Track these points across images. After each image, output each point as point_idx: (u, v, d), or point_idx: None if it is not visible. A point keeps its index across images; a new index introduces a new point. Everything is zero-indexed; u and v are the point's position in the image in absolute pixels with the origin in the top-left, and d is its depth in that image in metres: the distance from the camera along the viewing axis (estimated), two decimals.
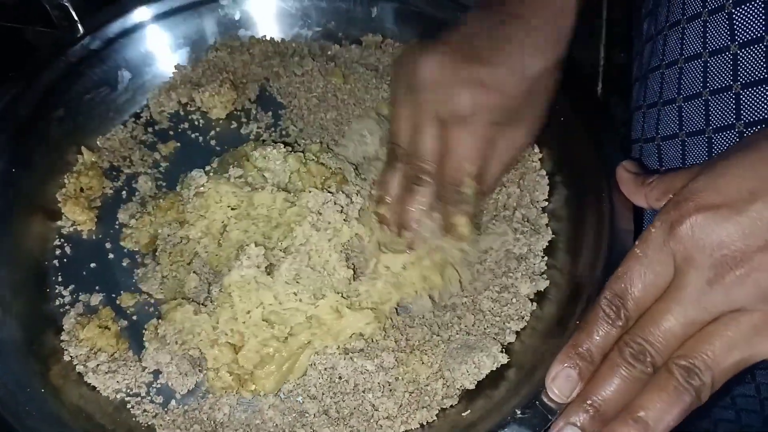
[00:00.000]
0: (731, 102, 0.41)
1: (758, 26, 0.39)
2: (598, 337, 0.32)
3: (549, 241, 0.44)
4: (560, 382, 0.32)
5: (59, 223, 0.47)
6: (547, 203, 0.46)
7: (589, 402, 0.31)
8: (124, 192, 0.49)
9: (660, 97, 0.48)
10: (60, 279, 0.45)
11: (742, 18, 0.40)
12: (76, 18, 0.53)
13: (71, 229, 0.47)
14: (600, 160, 0.43)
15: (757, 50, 0.39)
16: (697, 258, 0.29)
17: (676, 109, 0.45)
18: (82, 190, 0.49)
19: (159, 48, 0.55)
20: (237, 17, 0.56)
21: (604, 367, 0.31)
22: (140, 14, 0.54)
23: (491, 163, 0.42)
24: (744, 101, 0.41)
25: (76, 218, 0.47)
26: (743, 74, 0.40)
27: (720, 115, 0.42)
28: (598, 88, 0.57)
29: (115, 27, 0.53)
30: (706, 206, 0.30)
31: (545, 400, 0.33)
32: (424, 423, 0.38)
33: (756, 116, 0.40)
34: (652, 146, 0.49)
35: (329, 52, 0.56)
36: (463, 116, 0.40)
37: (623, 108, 0.57)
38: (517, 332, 0.41)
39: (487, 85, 0.39)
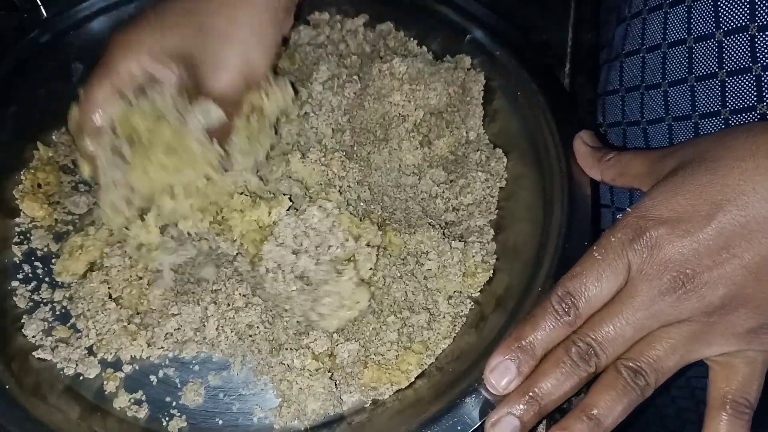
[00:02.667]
0: (717, 89, 0.42)
1: (743, 15, 0.40)
2: (543, 333, 0.33)
3: (502, 219, 0.46)
4: (498, 374, 0.33)
5: (17, 220, 0.47)
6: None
7: (531, 395, 0.32)
8: (81, 185, 0.49)
9: (642, 80, 0.48)
10: (20, 276, 0.45)
11: (727, 6, 0.41)
12: (39, 2, 0.52)
13: (29, 225, 0.47)
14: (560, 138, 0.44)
15: (743, 38, 0.40)
16: (652, 271, 0.32)
17: (662, 93, 0.46)
18: (39, 185, 0.49)
19: None
20: None
21: (548, 363, 0.33)
22: (92, 4, 0.53)
23: None
24: (729, 88, 0.42)
25: (35, 214, 0.47)
26: (728, 62, 0.41)
27: (706, 102, 0.43)
28: (565, 69, 0.56)
29: (65, 18, 0.52)
30: (664, 223, 0.32)
31: (483, 392, 0.34)
32: None
33: (740, 104, 0.41)
34: (637, 129, 0.50)
35: None
36: None
37: (590, 88, 0.57)
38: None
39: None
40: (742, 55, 0.40)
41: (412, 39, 0.54)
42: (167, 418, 0.40)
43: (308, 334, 0.40)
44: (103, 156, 0.41)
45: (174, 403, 0.41)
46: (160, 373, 0.42)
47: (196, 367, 0.42)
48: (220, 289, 0.42)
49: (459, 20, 0.52)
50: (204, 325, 0.41)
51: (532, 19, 0.57)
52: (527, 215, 0.45)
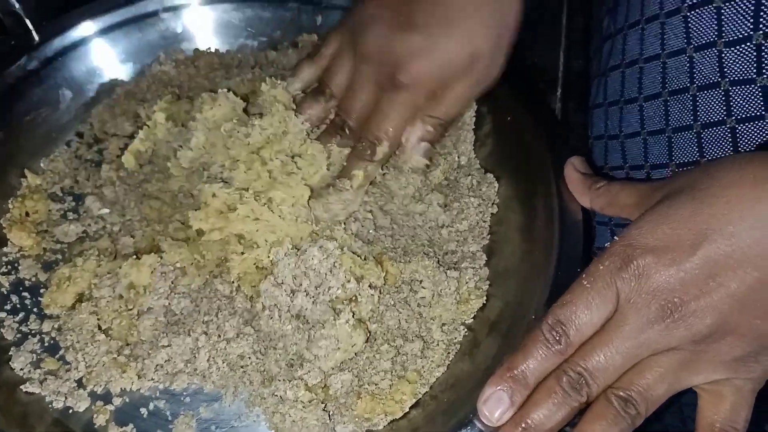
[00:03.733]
0: (689, 103, 0.43)
1: (712, 30, 0.41)
2: (535, 362, 0.33)
3: (494, 243, 0.46)
4: (491, 405, 0.33)
5: (5, 249, 0.47)
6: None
7: (523, 426, 0.32)
8: (70, 213, 0.49)
9: (621, 95, 0.50)
10: (7, 307, 0.45)
11: (697, 21, 0.42)
12: (30, 27, 0.52)
13: (17, 254, 0.47)
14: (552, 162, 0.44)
15: (711, 54, 0.41)
16: (640, 300, 0.32)
17: (638, 108, 0.47)
18: (27, 214, 0.48)
19: (101, 64, 0.54)
20: (179, 30, 0.56)
21: (541, 393, 0.32)
22: (81, 30, 0.53)
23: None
24: (700, 103, 0.42)
25: (23, 243, 0.47)
26: (698, 77, 0.42)
27: (678, 116, 0.44)
28: (557, 94, 0.58)
29: (55, 45, 0.52)
30: (651, 251, 0.32)
31: (477, 423, 0.34)
32: None
33: (712, 118, 0.42)
34: (616, 143, 0.50)
35: (269, 58, 0.56)
36: (403, 85, 0.43)
37: (580, 113, 0.58)
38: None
39: (430, 56, 0.42)
40: (712, 70, 0.41)
41: None
42: None
43: (302, 365, 0.40)
44: None
45: None
46: (151, 406, 0.41)
47: (187, 399, 0.41)
48: (212, 320, 0.42)
49: None
50: (195, 357, 0.41)
51: (523, 43, 0.58)
52: (519, 239, 0.45)
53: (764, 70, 0.39)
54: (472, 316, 0.43)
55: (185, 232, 0.46)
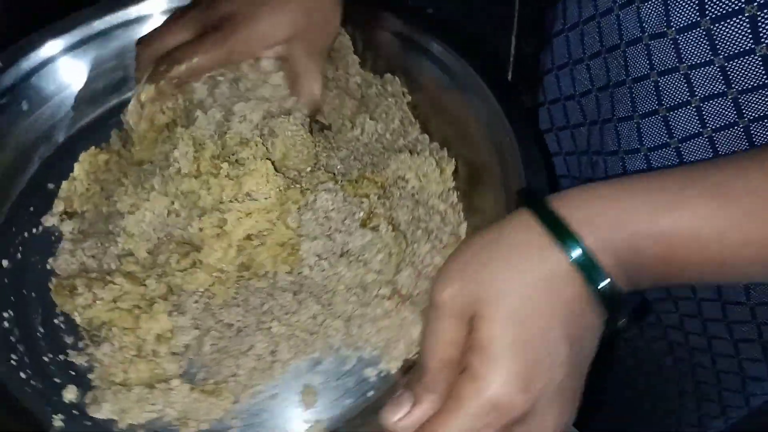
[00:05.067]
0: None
1: (661, 21, 0.43)
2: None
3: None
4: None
5: None
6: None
7: None
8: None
9: (570, 57, 0.53)
10: None
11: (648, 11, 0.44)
12: None
13: None
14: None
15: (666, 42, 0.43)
16: None
17: (585, 67, 0.51)
18: None
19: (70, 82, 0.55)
20: None
21: None
22: (49, 48, 0.53)
23: None
24: (662, 87, 0.45)
25: None
26: (658, 64, 0.44)
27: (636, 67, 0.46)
28: (508, 77, 0.61)
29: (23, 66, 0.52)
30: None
31: None
32: None
33: (675, 101, 0.44)
34: (573, 103, 0.55)
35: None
36: None
37: (530, 97, 0.61)
38: None
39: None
40: (669, 56, 0.43)
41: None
42: None
43: (368, 288, 0.43)
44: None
45: None
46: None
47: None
48: (272, 306, 0.44)
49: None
50: (277, 345, 0.43)
51: (477, 28, 0.61)
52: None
53: (719, 52, 0.41)
54: (452, 181, 0.49)
55: (189, 257, 0.45)
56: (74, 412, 0.42)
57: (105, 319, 0.44)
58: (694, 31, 0.41)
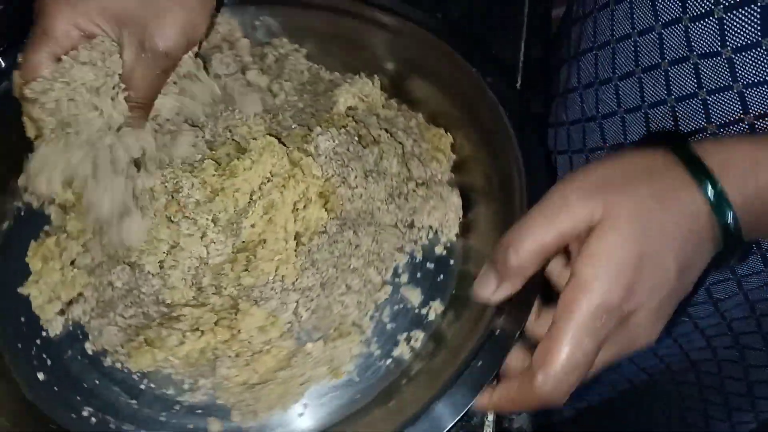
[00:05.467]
0: (662, 79, 0.46)
1: (676, 8, 0.43)
2: None
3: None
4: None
5: None
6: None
7: None
8: None
9: (596, 77, 0.52)
10: None
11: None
12: None
13: None
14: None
15: (678, 30, 0.43)
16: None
17: (613, 87, 0.50)
18: None
19: None
20: None
21: None
22: None
23: None
24: (672, 78, 0.45)
25: None
26: (669, 52, 0.44)
27: (653, 92, 0.47)
28: (517, 84, 0.59)
29: None
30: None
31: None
32: None
33: (684, 91, 0.45)
34: (594, 125, 0.54)
35: None
36: None
37: (538, 102, 0.60)
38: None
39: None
40: (680, 46, 0.43)
41: None
42: None
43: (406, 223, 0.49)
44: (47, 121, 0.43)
45: None
46: None
47: None
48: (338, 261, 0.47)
49: None
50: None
51: (483, 34, 0.59)
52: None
53: (728, 42, 0.40)
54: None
55: (237, 262, 0.46)
56: None
57: (202, 345, 0.43)
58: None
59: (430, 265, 0.49)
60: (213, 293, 0.46)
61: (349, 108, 0.54)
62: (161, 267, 0.45)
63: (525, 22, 0.61)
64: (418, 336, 0.45)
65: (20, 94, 0.44)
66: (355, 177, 0.48)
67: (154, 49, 0.44)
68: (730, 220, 0.33)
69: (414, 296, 0.47)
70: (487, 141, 0.51)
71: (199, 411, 0.43)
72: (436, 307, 0.46)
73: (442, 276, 0.48)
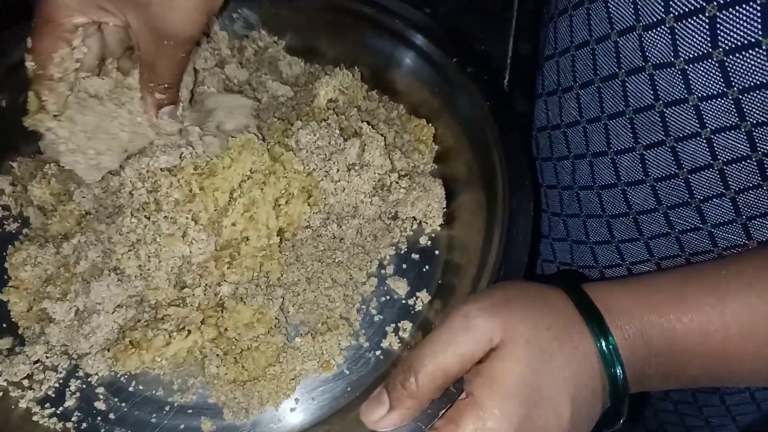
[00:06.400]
0: (619, 89, 0.45)
1: (630, 16, 0.42)
2: None
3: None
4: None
5: None
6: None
7: None
8: None
9: (558, 84, 0.52)
10: None
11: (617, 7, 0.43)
12: None
13: None
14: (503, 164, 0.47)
15: (633, 38, 0.42)
16: None
17: (575, 96, 0.49)
18: None
19: None
20: None
21: None
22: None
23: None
24: (630, 88, 0.44)
25: None
26: (625, 62, 0.44)
27: (612, 103, 0.46)
28: (505, 81, 0.58)
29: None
30: None
31: None
32: None
33: (642, 103, 0.44)
34: (558, 133, 0.53)
35: None
36: None
37: (525, 100, 0.59)
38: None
39: None
40: (636, 55, 0.43)
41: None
42: None
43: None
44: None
45: None
46: None
47: None
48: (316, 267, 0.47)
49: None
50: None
51: (472, 29, 0.58)
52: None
53: (681, 53, 0.40)
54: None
55: (221, 260, 0.46)
56: None
57: (189, 344, 0.43)
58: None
59: (415, 256, 0.49)
60: (198, 292, 0.45)
61: (330, 100, 0.54)
62: (144, 268, 0.45)
63: (514, 18, 0.60)
64: (406, 326, 0.45)
65: (34, 76, 0.43)
66: (338, 170, 0.48)
67: (167, 37, 0.42)
68: (616, 371, 0.34)
69: (400, 287, 0.47)
70: (468, 131, 0.51)
71: (190, 411, 0.43)
72: (422, 297, 0.47)
73: (427, 266, 0.48)
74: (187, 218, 0.45)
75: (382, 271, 0.48)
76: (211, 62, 0.55)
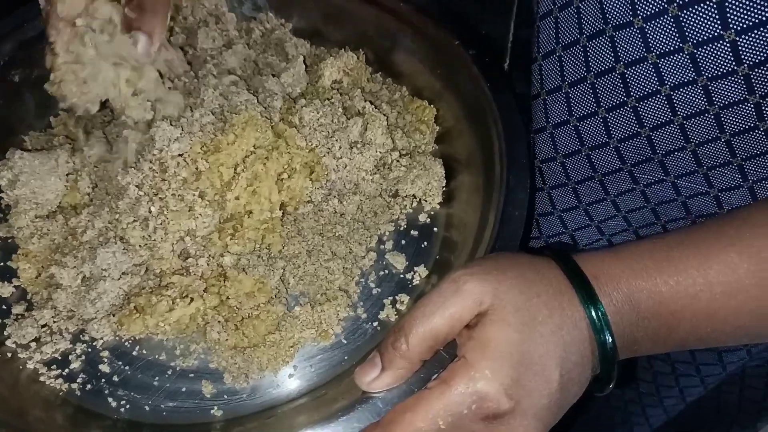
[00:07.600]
0: (618, 81, 0.44)
1: (627, 11, 0.41)
2: None
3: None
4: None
5: None
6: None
7: None
8: None
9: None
10: None
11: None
12: None
13: None
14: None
15: (631, 32, 0.41)
16: None
17: (564, 95, 0.49)
18: None
19: None
20: None
21: None
22: None
23: None
24: (629, 80, 0.43)
25: None
26: (623, 55, 0.43)
27: (610, 95, 0.45)
28: (505, 65, 0.59)
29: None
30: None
31: None
32: None
33: (643, 91, 0.43)
34: (568, 127, 0.51)
35: None
36: None
37: (524, 84, 0.58)
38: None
39: None
40: (635, 47, 0.42)
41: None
42: None
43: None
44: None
45: None
46: None
47: None
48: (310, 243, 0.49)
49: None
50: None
51: (473, 12, 0.59)
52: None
53: (688, 38, 0.39)
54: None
55: (225, 231, 0.47)
56: (225, 397, 0.43)
57: (192, 311, 0.44)
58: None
59: (414, 233, 0.50)
60: (201, 262, 0.46)
61: (335, 81, 0.55)
62: (150, 239, 0.46)
63: (516, 3, 0.61)
64: (404, 299, 0.46)
65: (45, 15, 0.45)
66: (340, 148, 0.49)
67: None
68: (608, 338, 0.35)
69: (399, 262, 0.48)
70: (469, 113, 0.53)
71: (192, 375, 0.44)
72: (420, 272, 0.48)
73: (426, 243, 0.49)
74: (194, 195, 0.46)
75: (382, 246, 0.49)
76: (219, 43, 0.56)
